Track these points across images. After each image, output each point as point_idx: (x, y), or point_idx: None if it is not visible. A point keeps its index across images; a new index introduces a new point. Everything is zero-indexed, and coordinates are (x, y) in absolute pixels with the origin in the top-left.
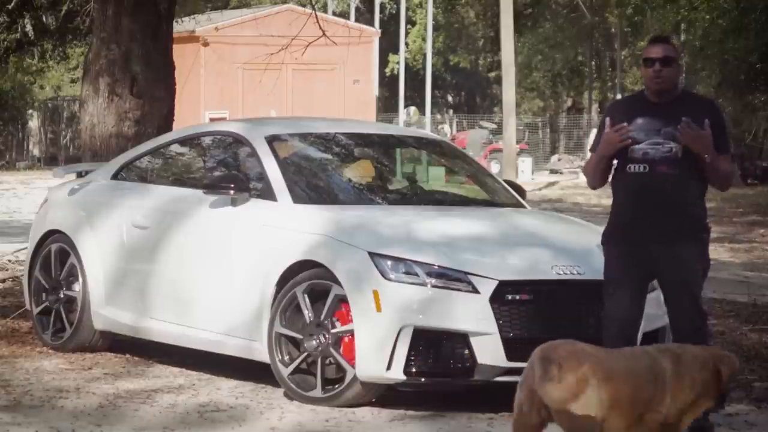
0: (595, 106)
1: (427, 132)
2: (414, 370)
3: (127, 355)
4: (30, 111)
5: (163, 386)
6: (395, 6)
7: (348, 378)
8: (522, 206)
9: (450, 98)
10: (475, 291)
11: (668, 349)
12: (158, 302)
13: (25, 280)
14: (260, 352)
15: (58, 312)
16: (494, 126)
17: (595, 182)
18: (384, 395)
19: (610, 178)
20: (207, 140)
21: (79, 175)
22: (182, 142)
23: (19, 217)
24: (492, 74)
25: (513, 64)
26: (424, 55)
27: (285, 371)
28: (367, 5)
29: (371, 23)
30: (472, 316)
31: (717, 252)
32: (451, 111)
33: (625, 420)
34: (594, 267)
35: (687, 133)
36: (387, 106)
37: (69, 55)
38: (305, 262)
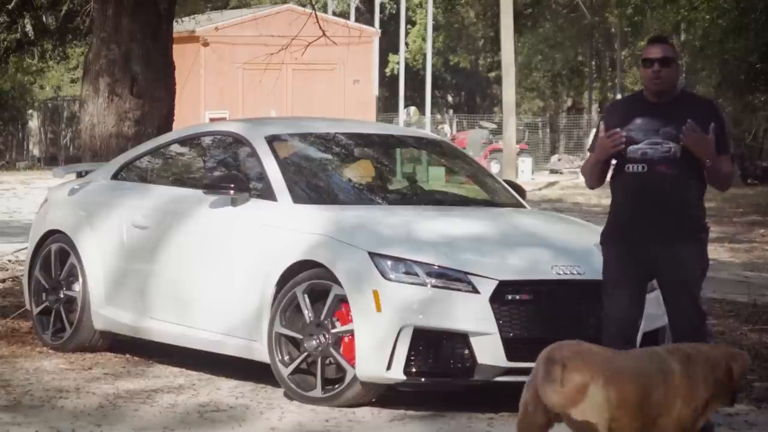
0: (595, 106)
1: (427, 132)
2: (414, 370)
3: (127, 355)
4: (30, 111)
5: (163, 386)
6: (395, 6)
7: (348, 378)
8: (522, 206)
9: (450, 98)
10: (475, 291)
11: (678, 349)
12: (158, 302)
13: (25, 280)
14: (260, 352)
15: (58, 312)
16: (494, 126)
17: (593, 183)
18: (384, 395)
19: (608, 178)
20: (207, 140)
21: (79, 175)
22: (182, 142)
23: (19, 217)
24: (492, 74)
25: (513, 64)
26: (424, 55)
27: (285, 371)
28: (367, 5)
29: (371, 23)
30: (472, 316)
31: (717, 252)
32: (451, 111)
33: (635, 421)
34: (594, 267)
35: (690, 137)
36: (387, 106)
37: (69, 55)
38: (305, 262)
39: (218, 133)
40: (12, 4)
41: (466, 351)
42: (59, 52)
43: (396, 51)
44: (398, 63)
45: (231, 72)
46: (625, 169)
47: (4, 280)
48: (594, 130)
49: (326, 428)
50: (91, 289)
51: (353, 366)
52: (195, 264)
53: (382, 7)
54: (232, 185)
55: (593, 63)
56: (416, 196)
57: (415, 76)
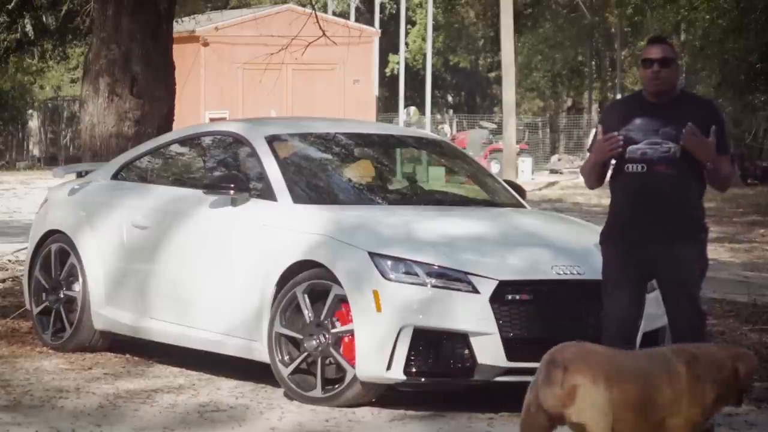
0: (595, 106)
1: (427, 132)
2: (414, 370)
3: (127, 355)
4: (30, 111)
5: (163, 386)
6: (395, 6)
7: (348, 378)
8: (522, 206)
9: (450, 98)
10: (475, 291)
11: (684, 349)
12: (158, 302)
13: (25, 280)
14: (260, 352)
15: (58, 312)
16: (494, 126)
17: (592, 183)
18: (384, 395)
19: (608, 178)
20: (207, 140)
21: (79, 175)
22: (182, 142)
23: (19, 217)
24: (492, 74)
25: (513, 64)
26: (424, 55)
27: (285, 371)
28: (367, 5)
29: (371, 23)
30: (472, 316)
31: (717, 252)
32: (451, 111)
33: (641, 422)
34: (594, 267)
35: (690, 140)
36: (387, 106)
37: (69, 55)
38: (305, 262)
39: (218, 133)
40: (12, 4)
41: (466, 351)
42: (59, 52)
43: (396, 51)
44: (398, 63)
45: (231, 72)
46: (624, 169)
47: (4, 280)
48: (594, 131)
49: (326, 428)
50: (91, 289)
51: (353, 366)
52: (195, 264)
53: (382, 7)
54: (232, 185)
55: (593, 63)
56: (416, 196)
57: (415, 76)
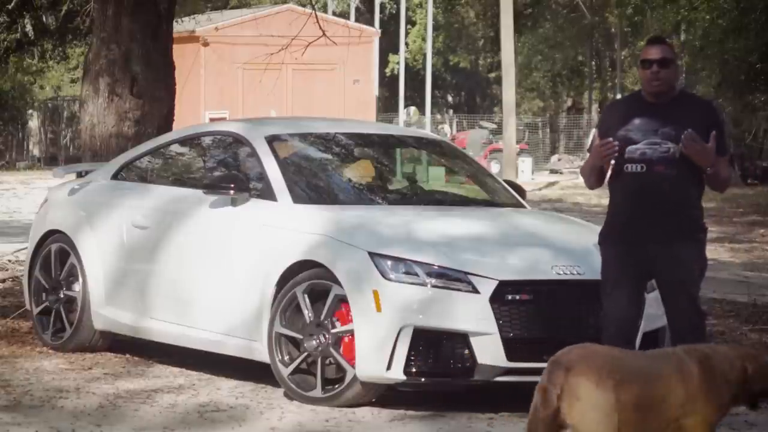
0: (595, 106)
1: (427, 132)
2: (414, 370)
3: (127, 355)
4: (30, 111)
5: (163, 386)
6: (395, 6)
7: (348, 378)
8: (522, 206)
9: (450, 98)
10: (475, 291)
11: (697, 349)
12: (158, 302)
13: (25, 280)
14: (260, 352)
15: (58, 312)
16: (494, 126)
17: (592, 183)
18: (384, 395)
19: (607, 179)
20: (207, 140)
21: (79, 175)
22: (182, 142)
23: (19, 217)
24: (492, 74)
25: (513, 64)
26: (424, 55)
27: (285, 371)
28: (367, 5)
29: (371, 23)
30: (472, 316)
31: (717, 252)
32: (451, 111)
33: (653, 423)
34: (594, 267)
35: (690, 146)
36: (387, 106)
37: (69, 55)
38: (305, 262)
39: (218, 133)
40: (12, 4)
41: (466, 351)
42: (59, 52)
43: (396, 51)
44: (398, 63)
45: (231, 72)
46: (624, 169)
47: (4, 280)
48: (594, 131)
49: (326, 428)
50: (91, 289)
51: (353, 366)
52: (195, 264)
53: (382, 7)
54: (232, 185)
55: (593, 63)
56: (416, 196)
57: (415, 76)
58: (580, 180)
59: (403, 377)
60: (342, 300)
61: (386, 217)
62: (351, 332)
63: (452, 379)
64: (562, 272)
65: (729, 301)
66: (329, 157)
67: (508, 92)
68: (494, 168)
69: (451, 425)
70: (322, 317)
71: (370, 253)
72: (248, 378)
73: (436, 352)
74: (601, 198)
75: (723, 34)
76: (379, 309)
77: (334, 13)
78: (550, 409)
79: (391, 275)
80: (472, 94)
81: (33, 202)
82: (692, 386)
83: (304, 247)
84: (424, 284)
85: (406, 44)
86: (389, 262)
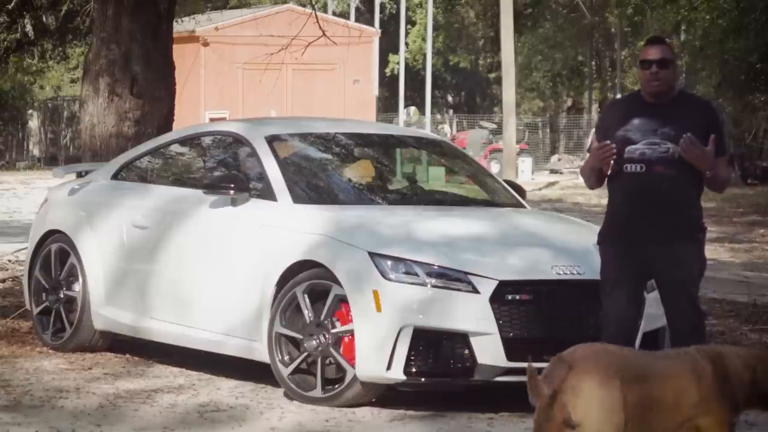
0: (595, 106)
1: (427, 132)
2: (414, 370)
3: (127, 355)
4: (30, 111)
5: (163, 386)
6: (395, 6)
7: (348, 378)
8: (522, 206)
9: (450, 98)
10: (475, 291)
11: (710, 349)
12: (158, 302)
13: (25, 280)
14: (260, 352)
15: (58, 312)
16: (494, 126)
17: (592, 184)
18: (384, 395)
19: (606, 180)
20: (207, 140)
21: (79, 175)
22: (182, 142)
23: (19, 217)
24: (492, 74)
25: (513, 64)
26: (424, 55)
27: (285, 371)
28: (367, 5)
29: (371, 23)
30: (472, 316)
31: (717, 252)
32: (451, 111)
33: (665, 422)
34: (594, 267)
35: (689, 150)
36: (387, 106)
37: (69, 55)
38: (305, 262)
39: (218, 133)
40: (12, 4)
41: (466, 351)
42: (59, 52)
43: (396, 51)
44: (398, 63)
45: (231, 72)
46: (623, 169)
47: (4, 280)
48: (594, 131)
49: (326, 428)
50: (91, 289)
51: (353, 366)
52: (195, 264)
53: (382, 7)
54: (232, 185)
55: (593, 63)
56: (416, 196)
57: (415, 76)
58: (580, 180)
59: (403, 377)
60: (342, 300)
61: (386, 217)
62: (351, 332)
63: (452, 379)
64: (562, 272)
65: (729, 301)
66: (329, 157)
67: (508, 92)
68: (494, 168)
69: (451, 425)
70: (322, 317)
71: (370, 253)
72: (248, 378)
73: (436, 352)
74: (601, 198)
75: (723, 34)
76: (379, 309)
77: (334, 13)
78: (542, 399)
79: (391, 275)
80: (472, 94)
81: (33, 202)
82: (706, 386)
83: (304, 247)
84: (424, 284)
85: (406, 44)
86: (389, 262)
